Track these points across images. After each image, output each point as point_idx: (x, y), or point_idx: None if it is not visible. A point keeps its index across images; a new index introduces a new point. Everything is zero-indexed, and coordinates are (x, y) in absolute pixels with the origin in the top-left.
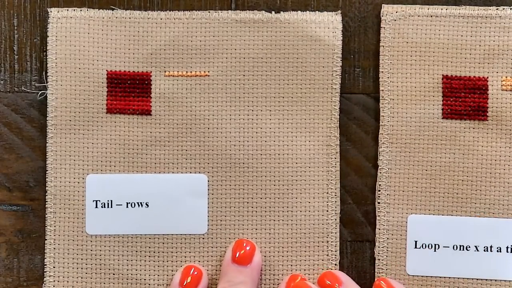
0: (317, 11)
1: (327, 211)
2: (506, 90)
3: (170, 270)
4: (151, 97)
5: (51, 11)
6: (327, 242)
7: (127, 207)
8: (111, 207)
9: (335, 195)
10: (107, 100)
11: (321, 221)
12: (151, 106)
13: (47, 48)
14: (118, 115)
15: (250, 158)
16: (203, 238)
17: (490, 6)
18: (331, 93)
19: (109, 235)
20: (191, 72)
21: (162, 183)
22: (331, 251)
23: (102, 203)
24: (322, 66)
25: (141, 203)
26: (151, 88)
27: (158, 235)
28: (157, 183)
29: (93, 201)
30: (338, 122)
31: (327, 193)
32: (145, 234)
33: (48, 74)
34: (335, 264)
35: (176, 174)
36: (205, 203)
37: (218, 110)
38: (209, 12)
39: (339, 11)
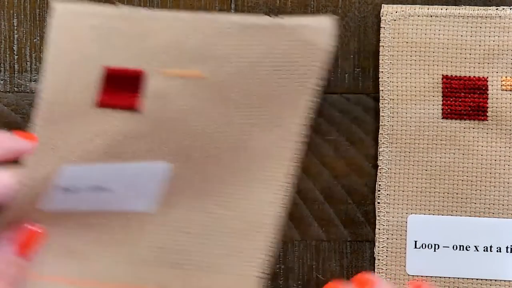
0: (308, 16)
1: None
2: (506, 90)
3: None
4: (145, 96)
5: (55, 5)
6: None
7: None
8: None
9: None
10: (101, 97)
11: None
12: (145, 105)
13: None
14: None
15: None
16: None
17: (490, 6)
18: (311, 94)
19: None
20: (187, 72)
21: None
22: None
23: None
24: (308, 68)
25: None
26: (145, 87)
27: None
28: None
29: None
30: (311, 122)
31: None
32: None
33: (44, 66)
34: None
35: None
36: None
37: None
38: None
39: (330, 15)
